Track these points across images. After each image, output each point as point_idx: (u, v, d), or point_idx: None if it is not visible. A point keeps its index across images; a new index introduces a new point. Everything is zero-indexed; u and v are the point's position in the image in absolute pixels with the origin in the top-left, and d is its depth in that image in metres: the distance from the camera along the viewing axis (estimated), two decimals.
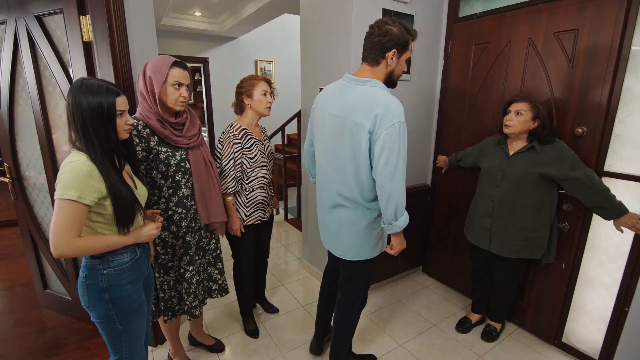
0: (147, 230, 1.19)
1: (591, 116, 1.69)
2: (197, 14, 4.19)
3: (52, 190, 1.94)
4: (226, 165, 1.71)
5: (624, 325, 1.66)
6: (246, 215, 1.84)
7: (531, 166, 1.69)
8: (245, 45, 5.10)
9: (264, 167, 1.84)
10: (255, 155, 1.78)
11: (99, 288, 1.12)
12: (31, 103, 1.87)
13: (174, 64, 1.38)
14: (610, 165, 1.68)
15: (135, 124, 1.35)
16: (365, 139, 1.29)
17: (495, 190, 1.82)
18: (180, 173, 1.46)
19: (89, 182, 1.01)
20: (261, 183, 1.85)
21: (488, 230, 1.86)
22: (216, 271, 1.75)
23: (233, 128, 1.75)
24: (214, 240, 1.72)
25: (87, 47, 1.64)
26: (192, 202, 1.52)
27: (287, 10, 3.83)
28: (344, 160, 1.38)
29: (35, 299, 2.39)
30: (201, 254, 1.66)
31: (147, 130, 1.39)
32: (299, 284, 2.69)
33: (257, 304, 2.33)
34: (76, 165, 1.00)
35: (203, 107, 5.15)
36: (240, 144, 1.73)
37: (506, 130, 1.75)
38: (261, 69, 5.24)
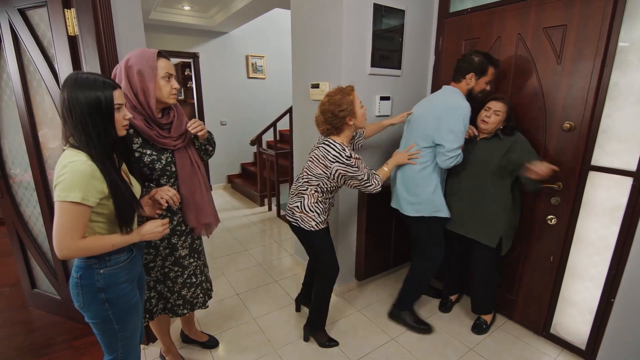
0: (153, 227, 1.16)
1: (579, 111, 1.71)
2: (187, 8, 4.12)
3: (38, 188, 1.90)
4: (364, 172, 1.66)
5: (609, 316, 1.70)
6: (324, 220, 1.81)
7: (493, 152, 1.84)
8: (236, 40, 5.04)
9: None
10: None
11: (95, 288, 1.10)
12: (15, 99, 1.83)
13: (159, 54, 1.31)
14: (597, 159, 1.71)
15: None
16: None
17: (461, 171, 1.94)
18: (165, 177, 1.39)
19: (92, 182, 0.99)
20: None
21: (450, 207, 1.97)
22: (207, 269, 1.73)
23: (345, 148, 1.63)
24: (200, 241, 1.67)
25: (73, 42, 1.60)
26: (179, 205, 1.45)
27: (277, 4, 3.79)
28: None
29: (23, 298, 2.35)
30: (195, 256, 1.60)
31: (131, 130, 1.30)
32: (291, 280, 2.68)
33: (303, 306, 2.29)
34: (77, 166, 0.98)
35: (194, 104, 5.09)
36: None
37: (483, 126, 1.86)
38: (252, 64, 5.19)
